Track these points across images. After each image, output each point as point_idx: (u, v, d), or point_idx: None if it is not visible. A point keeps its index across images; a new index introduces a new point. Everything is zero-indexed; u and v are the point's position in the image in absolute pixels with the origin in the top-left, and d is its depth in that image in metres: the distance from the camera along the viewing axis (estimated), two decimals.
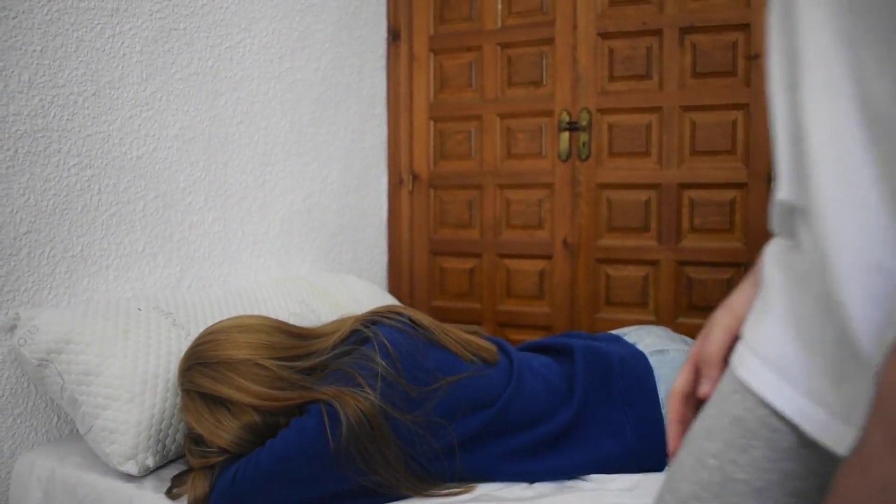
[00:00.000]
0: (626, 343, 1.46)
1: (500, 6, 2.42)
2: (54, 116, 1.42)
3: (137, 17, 1.57)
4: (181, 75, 1.69)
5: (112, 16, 1.52)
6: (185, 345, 1.38)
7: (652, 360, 1.39)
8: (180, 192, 1.69)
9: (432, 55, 2.52)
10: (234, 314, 1.54)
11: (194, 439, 1.25)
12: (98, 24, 1.49)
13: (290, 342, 1.30)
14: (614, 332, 1.57)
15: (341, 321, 1.38)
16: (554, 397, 1.33)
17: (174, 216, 1.68)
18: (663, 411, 1.30)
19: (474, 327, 1.47)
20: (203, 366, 1.24)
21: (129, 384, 1.28)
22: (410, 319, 1.33)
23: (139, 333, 1.36)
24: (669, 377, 1.33)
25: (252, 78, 1.90)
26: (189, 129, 1.71)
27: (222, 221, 1.81)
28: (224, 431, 1.20)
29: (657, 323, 2.18)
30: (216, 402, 1.22)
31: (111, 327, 1.34)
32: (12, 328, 1.36)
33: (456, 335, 1.36)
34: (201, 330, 1.40)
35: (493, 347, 1.38)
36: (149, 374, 1.31)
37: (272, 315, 1.51)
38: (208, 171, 1.77)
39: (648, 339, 1.47)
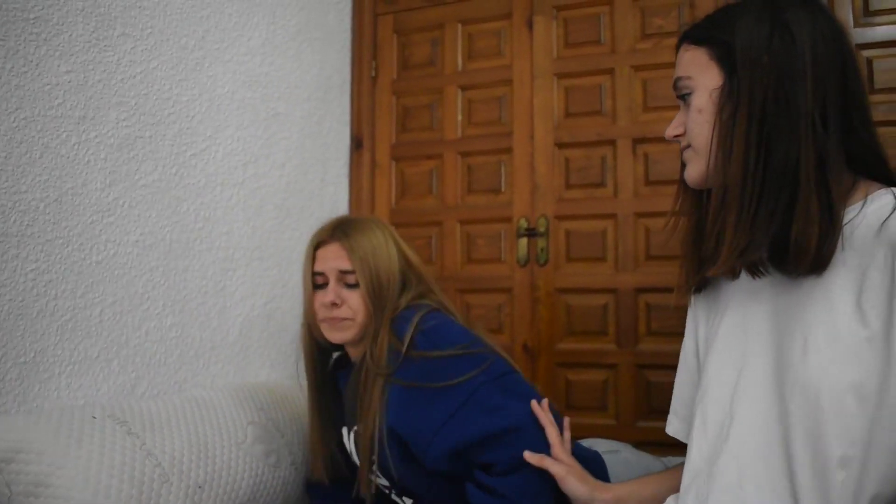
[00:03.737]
0: (582, 445, 1.52)
1: (460, 117, 2.51)
2: (14, 222, 1.42)
3: (103, 125, 1.60)
4: (145, 182, 1.70)
5: (78, 124, 1.55)
6: (139, 455, 1.35)
7: (606, 458, 1.48)
8: (138, 298, 1.68)
9: (394, 163, 2.58)
10: (191, 424, 1.52)
11: None
12: (64, 131, 1.52)
13: None
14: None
15: None
16: None
17: (131, 322, 1.66)
18: None
19: None
20: None
21: (79, 496, 1.24)
22: None
23: (93, 442, 1.32)
24: (622, 475, 1.41)
25: (216, 184, 1.93)
26: (150, 234, 1.72)
27: (180, 327, 1.79)
28: None
29: (617, 426, 2.18)
30: None
31: (63, 436, 1.30)
32: None
33: None
34: (156, 439, 1.37)
35: None
36: (101, 484, 1.27)
37: (230, 429, 1.60)
38: (168, 276, 1.76)
39: (602, 443, 1.60)
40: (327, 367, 1.68)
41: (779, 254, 0.94)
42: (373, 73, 2.63)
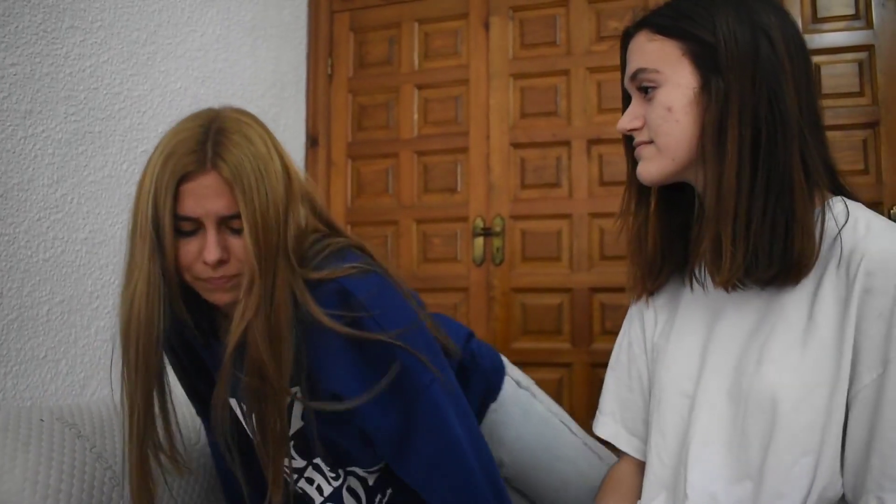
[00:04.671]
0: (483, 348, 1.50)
1: (416, 116, 2.50)
2: None
3: (51, 120, 1.56)
4: (94, 178, 1.67)
5: (25, 118, 1.50)
6: (89, 458, 1.31)
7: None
8: (87, 296, 1.64)
9: (350, 161, 2.57)
10: None
11: None
12: (10, 125, 1.47)
13: None
14: None
15: None
16: None
17: (79, 320, 1.62)
18: None
19: None
20: None
21: (28, 501, 1.20)
22: None
23: (41, 446, 1.28)
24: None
25: None
26: (100, 231, 1.68)
27: None
28: None
29: None
30: None
31: (10, 439, 1.26)
32: None
33: None
34: (107, 442, 1.33)
35: None
36: (50, 489, 1.23)
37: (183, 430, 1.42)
38: (118, 274, 1.72)
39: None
40: (184, 336, 1.24)
41: (784, 270, 0.91)
42: (329, 71, 2.61)
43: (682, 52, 0.96)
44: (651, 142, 1.00)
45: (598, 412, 1.23)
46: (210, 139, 1.04)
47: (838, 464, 0.88)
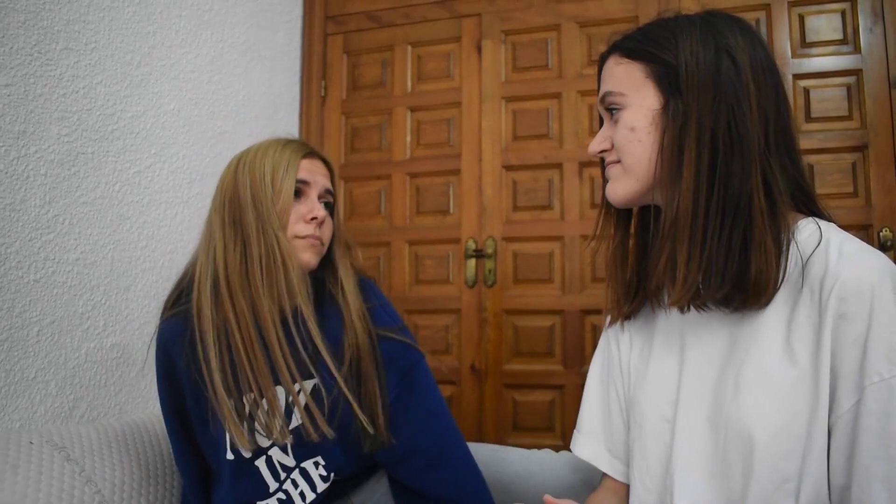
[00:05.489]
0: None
1: (409, 138, 2.51)
2: None
3: (44, 141, 1.56)
4: (86, 199, 1.66)
5: (18, 138, 1.51)
6: (78, 482, 1.30)
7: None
8: (78, 317, 1.64)
9: (343, 183, 2.58)
10: (132, 450, 1.47)
11: None
12: (2, 146, 1.47)
13: None
14: None
15: None
16: None
17: (70, 342, 1.61)
18: None
19: None
20: None
21: None
22: None
23: (29, 469, 1.27)
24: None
25: (160, 202, 1.90)
26: (91, 252, 1.68)
27: (121, 347, 1.75)
28: None
29: (564, 447, 2.18)
30: None
31: None
32: None
33: None
34: (96, 466, 1.32)
35: None
36: None
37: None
38: (109, 295, 1.72)
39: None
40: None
41: (739, 291, 0.91)
42: (322, 93, 2.62)
43: (646, 74, 0.97)
44: (617, 163, 1.01)
45: (575, 431, 1.21)
46: (307, 144, 1.40)
47: (824, 490, 0.87)
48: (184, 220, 1.98)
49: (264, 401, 1.25)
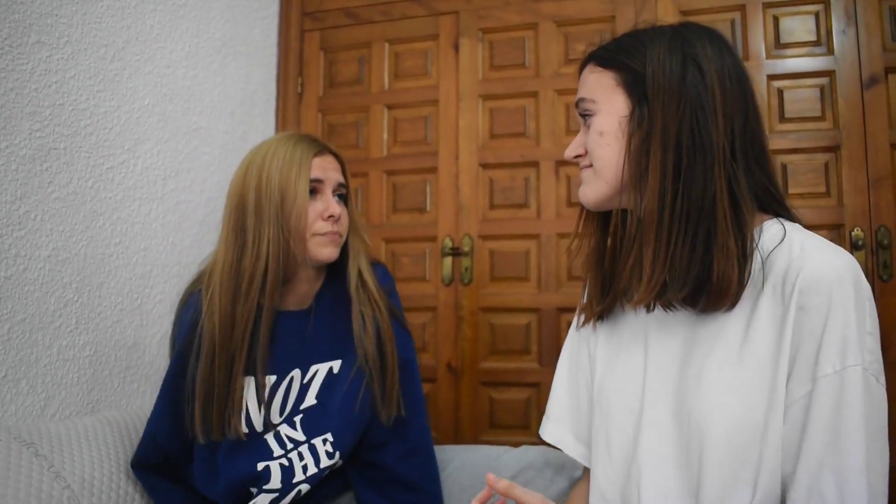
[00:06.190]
0: None
1: (385, 135, 2.51)
2: None
3: (15, 136, 1.54)
4: (58, 195, 1.64)
5: None
6: (47, 476, 1.28)
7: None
8: (50, 315, 1.61)
9: None
10: (102, 445, 1.46)
11: None
12: None
13: None
14: None
15: None
16: None
17: (41, 339, 1.59)
18: None
19: None
20: None
21: None
22: None
23: None
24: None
25: (134, 199, 1.88)
26: (63, 249, 1.65)
27: (94, 345, 1.73)
28: None
29: (540, 445, 2.19)
30: None
31: None
32: None
33: None
34: (65, 461, 1.31)
35: None
36: None
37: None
38: (81, 292, 1.70)
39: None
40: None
41: (699, 292, 0.95)
42: (299, 90, 2.61)
43: (617, 82, 1.02)
44: (591, 166, 1.06)
45: (545, 418, 1.27)
46: (317, 141, 1.47)
47: (778, 476, 0.91)
48: (158, 217, 1.96)
49: (284, 381, 1.43)
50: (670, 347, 1.02)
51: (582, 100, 1.06)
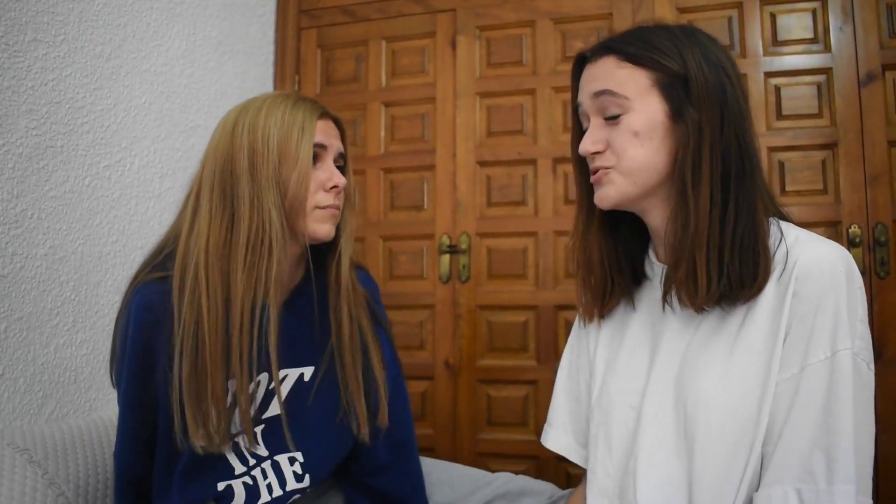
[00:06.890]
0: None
1: (383, 133, 2.51)
2: None
3: (12, 134, 1.54)
4: (55, 193, 1.64)
5: None
6: (41, 484, 1.27)
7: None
8: (47, 313, 1.61)
9: None
10: (97, 450, 1.44)
11: None
12: None
13: None
14: None
15: None
16: None
17: (38, 338, 1.59)
18: None
19: None
20: None
21: None
22: None
23: None
24: None
25: (131, 197, 1.87)
26: (60, 247, 1.65)
27: (91, 343, 1.73)
28: None
29: (538, 442, 2.19)
30: None
31: None
32: None
33: None
34: (59, 468, 1.29)
35: None
36: None
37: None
38: (79, 291, 1.70)
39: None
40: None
41: (739, 291, 0.96)
42: (296, 88, 2.61)
43: (652, 82, 1.00)
44: (612, 167, 1.03)
45: (546, 425, 1.27)
46: (319, 103, 1.25)
47: (756, 472, 0.94)
48: (155, 215, 1.96)
49: (249, 386, 1.15)
50: (677, 343, 1.04)
51: (610, 92, 1.01)
